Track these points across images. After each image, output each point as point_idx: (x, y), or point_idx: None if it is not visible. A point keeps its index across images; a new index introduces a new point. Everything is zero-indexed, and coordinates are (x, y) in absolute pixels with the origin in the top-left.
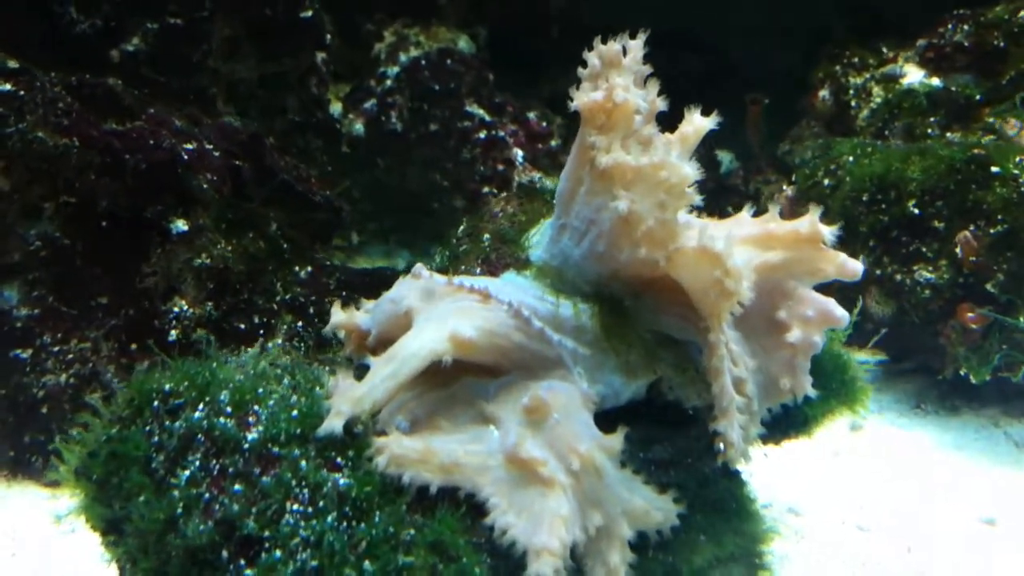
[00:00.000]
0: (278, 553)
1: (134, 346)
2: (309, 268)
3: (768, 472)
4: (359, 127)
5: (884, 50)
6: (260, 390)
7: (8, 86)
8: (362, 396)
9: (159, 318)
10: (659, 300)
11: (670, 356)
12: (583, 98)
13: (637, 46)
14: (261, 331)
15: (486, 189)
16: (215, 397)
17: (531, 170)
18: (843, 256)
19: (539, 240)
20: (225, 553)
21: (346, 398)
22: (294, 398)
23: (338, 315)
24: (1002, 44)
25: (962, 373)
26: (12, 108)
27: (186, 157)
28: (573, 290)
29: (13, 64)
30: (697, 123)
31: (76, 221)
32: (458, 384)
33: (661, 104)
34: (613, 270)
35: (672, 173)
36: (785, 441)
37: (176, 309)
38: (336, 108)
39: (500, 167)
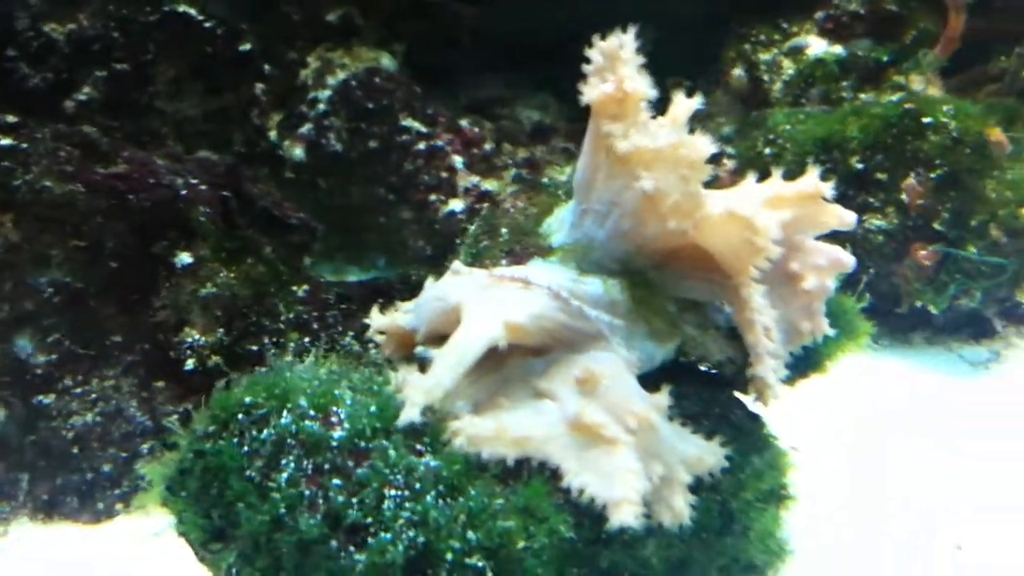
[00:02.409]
0: (386, 535)
1: (154, 380)
2: (306, 286)
3: (767, 413)
4: (299, 152)
5: (785, 25)
6: (336, 392)
7: (10, 140)
8: (433, 386)
9: (174, 350)
10: (683, 267)
11: (693, 318)
12: (593, 92)
13: (630, 40)
14: (272, 351)
15: (433, 197)
16: (296, 403)
17: (470, 175)
18: (840, 208)
19: (559, 228)
20: (334, 542)
21: (418, 389)
22: (361, 397)
23: (379, 318)
24: (895, 8)
25: (918, 305)
26: (18, 161)
27: (184, 192)
28: (599, 269)
29: (11, 118)
30: (685, 104)
31: (86, 264)
32: (508, 366)
33: (653, 92)
34: (639, 245)
35: (691, 150)
36: (802, 380)
37: (189, 339)
38: (271, 136)
39: (444, 175)
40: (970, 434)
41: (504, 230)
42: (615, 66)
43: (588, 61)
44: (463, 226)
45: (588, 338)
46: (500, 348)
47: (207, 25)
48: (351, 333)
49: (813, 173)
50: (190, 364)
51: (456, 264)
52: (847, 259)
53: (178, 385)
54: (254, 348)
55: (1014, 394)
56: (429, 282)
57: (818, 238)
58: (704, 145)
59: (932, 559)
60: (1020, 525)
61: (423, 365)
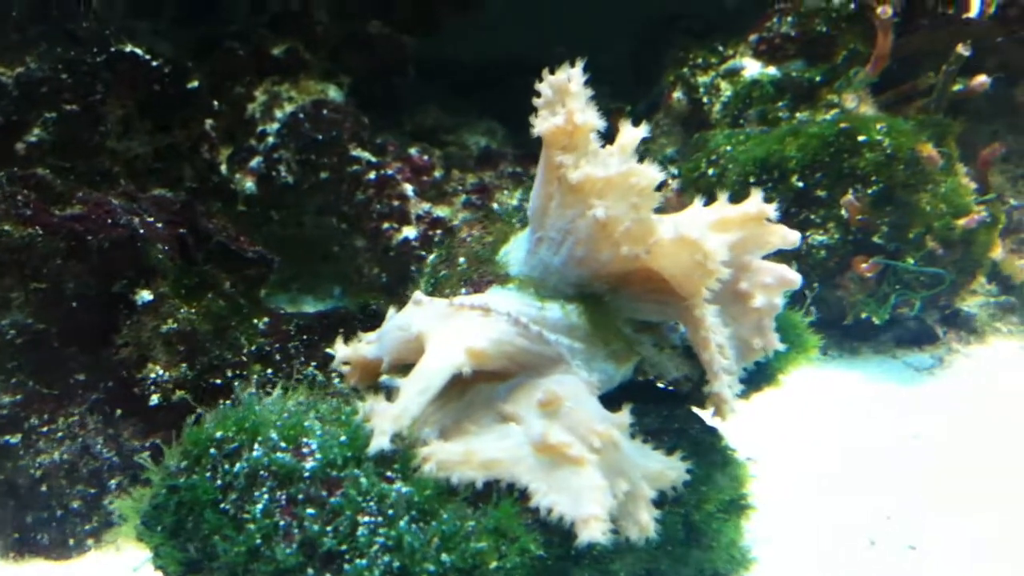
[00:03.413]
0: (362, 561)
1: (120, 417)
2: (267, 319)
3: (723, 427)
4: (250, 185)
5: (721, 48)
6: (307, 424)
7: None
8: (400, 414)
9: (137, 386)
10: (637, 290)
11: (649, 339)
12: (544, 124)
13: (578, 74)
14: (236, 384)
15: (386, 225)
16: (267, 436)
17: (422, 202)
18: (784, 228)
19: (515, 255)
20: (311, 570)
21: (386, 417)
22: (331, 427)
23: (343, 350)
24: (825, 29)
25: (863, 317)
26: None
27: (141, 231)
28: (555, 294)
29: None
30: (632, 133)
31: (47, 306)
32: (472, 392)
33: (602, 123)
34: (594, 271)
35: (641, 177)
36: (757, 394)
37: (152, 375)
38: (222, 170)
39: (396, 203)
40: (919, 436)
41: (462, 259)
42: (564, 99)
43: (536, 91)
44: (417, 253)
45: (549, 362)
46: (464, 374)
47: (154, 64)
48: (314, 363)
49: (756, 195)
50: (155, 399)
51: (417, 294)
52: (793, 276)
53: (143, 421)
54: (218, 382)
55: (958, 396)
56: (391, 312)
57: (764, 257)
58: (653, 173)
59: (888, 561)
60: (976, 526)
61: (389, 394)
